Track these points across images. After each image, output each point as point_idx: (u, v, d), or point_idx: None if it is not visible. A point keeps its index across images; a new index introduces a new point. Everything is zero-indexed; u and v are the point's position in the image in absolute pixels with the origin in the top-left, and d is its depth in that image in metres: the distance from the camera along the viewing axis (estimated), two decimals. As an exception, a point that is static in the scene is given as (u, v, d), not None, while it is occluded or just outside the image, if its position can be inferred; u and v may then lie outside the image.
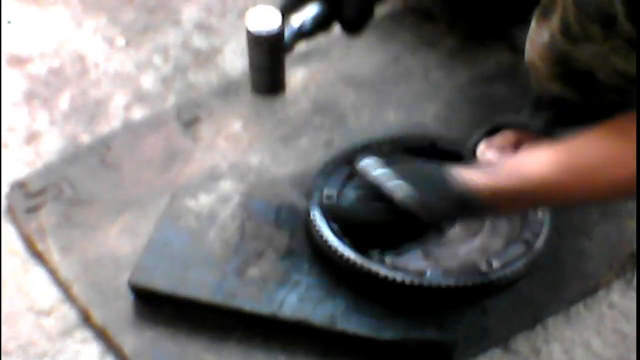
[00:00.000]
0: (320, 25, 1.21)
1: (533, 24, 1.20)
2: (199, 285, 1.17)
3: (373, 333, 1.14)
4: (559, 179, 1.06)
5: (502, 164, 1.12)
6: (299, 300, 1.16)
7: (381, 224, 1.13)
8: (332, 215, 1.18)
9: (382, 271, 1.14)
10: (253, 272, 1.19)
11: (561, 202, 1.14)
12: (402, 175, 1.10)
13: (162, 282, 1.18)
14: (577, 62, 1.14)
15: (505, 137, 1.25)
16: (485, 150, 1.24)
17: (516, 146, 1.24)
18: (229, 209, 1.25)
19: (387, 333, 1.14)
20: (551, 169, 1.06)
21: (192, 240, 1.22)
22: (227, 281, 1.17)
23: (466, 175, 1.09)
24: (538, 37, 1.18)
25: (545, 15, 1.16)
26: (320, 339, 1.16)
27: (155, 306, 1.19)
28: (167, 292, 1.17)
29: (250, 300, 1.16)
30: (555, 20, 1.13)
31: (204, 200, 1.26)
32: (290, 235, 1.22)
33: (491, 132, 1.26)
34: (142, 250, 1.21)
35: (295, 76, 1.46)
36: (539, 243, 1.19)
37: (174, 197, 1.26)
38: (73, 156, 1.38)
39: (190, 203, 1.25)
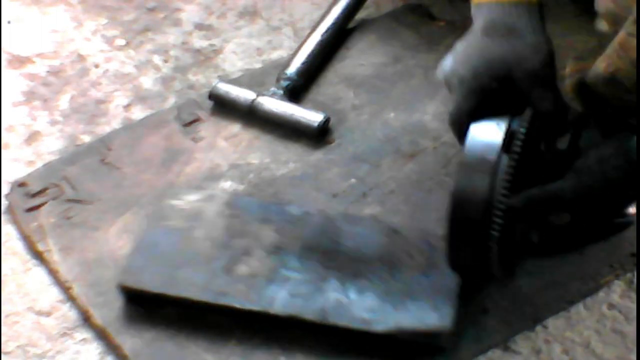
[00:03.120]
0: None
1: (628, 29, 1.12)
2: (189, 284, 1.17)
3: (365, 326, 1.14)
4: None
5: None
6: (289, 296, 1.16)
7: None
8: None
9: None
10: (242, 269, 1.19)
11: None
12: None
13: (152, 282, 1.18)
14: None
15: None
16: None
17: None
18: (214, 207, 1.25)
19: (379, 326, 1.14)
20: None
21: (180, 240, 1.22)
22: (217, 279, 1.18)
23: None
24: (634, 40, 1.11)
25: None
26: (320, 339, 1.16)
27: (151, 307, 1.18)
28: (157, 292, 1.17)
29: (240, 298, 1.16)
30: None
31: (190, 200, 1.26)
32: (277, 231, 1.23)
33: None
34: (130, 251, 1.21)
35: (295, 76, 1.46)
36: None
37: (159, 197, 1.26)
38: (73, 156, 1.38)
39: (176, 203, 1.25)
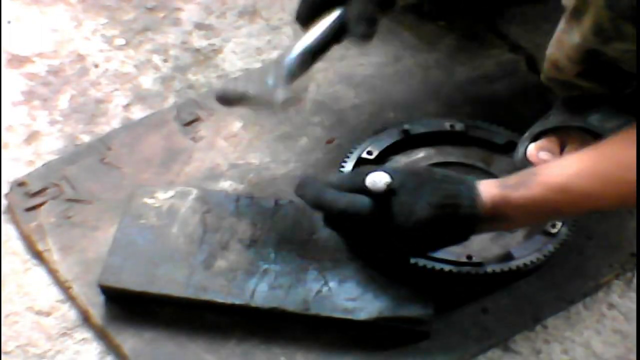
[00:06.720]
0: (333, 39, 1.24)
1: (562, 25, 1.21)
2: (169, 281, 1.17)
3: (347, 315, 1.15)
4: (580, 186, 1.05)
5: (537, 172, 1.09)
6: (270, 288, 1.17)
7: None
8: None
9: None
10: (220, 264, 1.19)
11: (580, 210, 1.11)
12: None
13: (132, 281, 1.18)
14: (605, 58, 1.17)
15: (551, 140, 1.26)
16: (537, 152, 1.25)
17: (561, 149, 1.26)
18: (187, 204, 1.25)
19: (360, 314, 1.15)
20: (574, 177, 1.06)
21: (156, 237, 1.22)
22: (196, 275, 1.18)
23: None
24: (568, 38, 1.19)
25: (576, 16, 1.17)
26: (319, 339, 1.16)
27: (132, 305, 1.19)
28: (138, 290, 1.17)
29: (221, 292, 1.16)
30: (587, 22, 1.15)
31: (162, 197, 1.26)
32: (251, 224, 1.23)
33: (538, 135, 1.28)
34: (108, 251, 1.21)
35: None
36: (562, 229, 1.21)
37: (131, 196, 1.26)
38: (73, 156, 1.38)
39: (149, 201, 1.25)
